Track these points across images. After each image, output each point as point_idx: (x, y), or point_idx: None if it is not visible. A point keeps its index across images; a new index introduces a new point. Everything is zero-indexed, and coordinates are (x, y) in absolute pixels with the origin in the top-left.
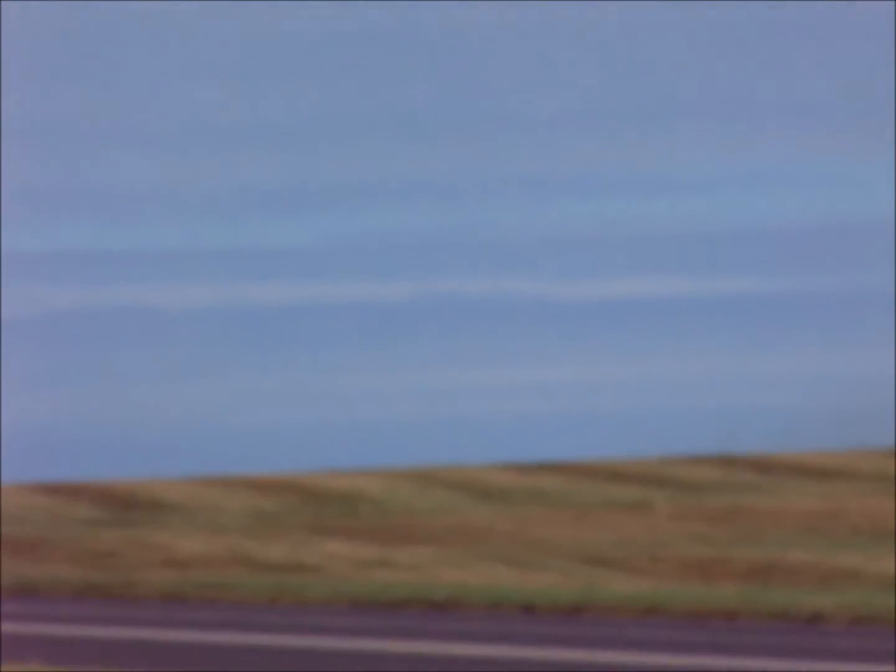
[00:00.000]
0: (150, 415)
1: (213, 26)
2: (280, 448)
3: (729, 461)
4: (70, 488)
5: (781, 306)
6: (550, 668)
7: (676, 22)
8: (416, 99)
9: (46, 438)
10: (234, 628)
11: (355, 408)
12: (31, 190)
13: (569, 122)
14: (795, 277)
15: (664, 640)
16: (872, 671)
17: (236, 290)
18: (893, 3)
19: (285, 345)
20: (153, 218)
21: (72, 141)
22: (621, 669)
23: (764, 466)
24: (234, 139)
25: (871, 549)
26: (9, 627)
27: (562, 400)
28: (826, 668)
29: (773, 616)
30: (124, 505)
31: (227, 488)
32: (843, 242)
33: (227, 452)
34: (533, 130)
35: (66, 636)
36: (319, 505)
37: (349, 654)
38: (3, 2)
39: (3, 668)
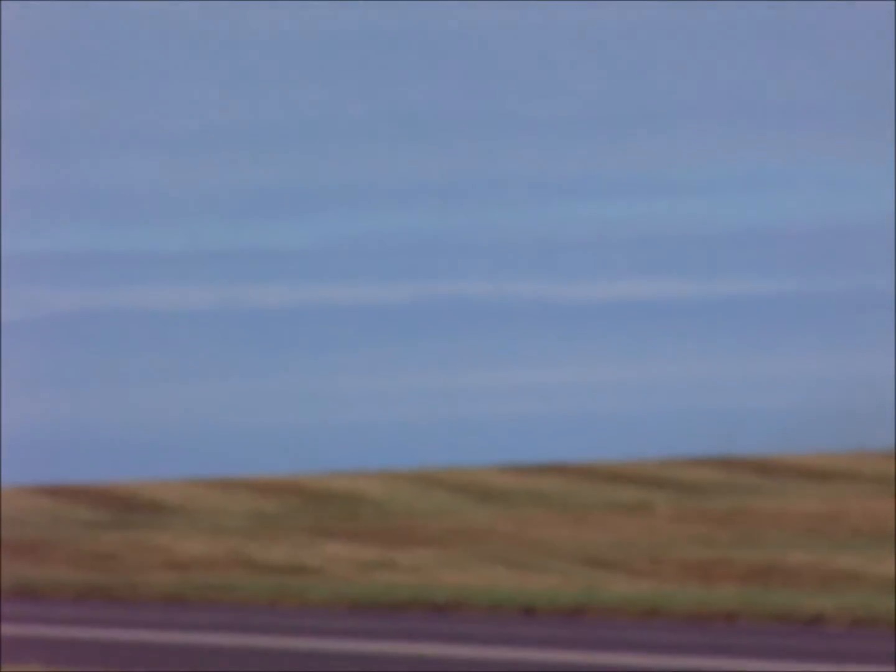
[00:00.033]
0: (151, 416)
1: (213, 27)
2: (281, 450)
3: (729, 463)
4: (71, 490)
5: (782, 308)
6: (551, 669)
7: (676, 23)
8: (418, 100)
9: (47, 440)
10: (234, 630)
11: (356, 409)
12: (30, 191)
13: (570, 124)
14: (796, 279)
15: (665, 641)
16: None
17: (237, 291)
18: (893, 3)
19: (286, 346)
20: (153, 220)
21: (72, 142)
22: (622, 671)
23: (764, 468)
24: (235, 140)
25: (872, 551)
26: (9, 629)
27: (562, 401)
28: (826, 670)
29: (773, 618)
30: (125, 507)
31: (228, 490)
32: (844, 244)
33: (227, 454)
34: (534, 132)
35: (66, 638)
36: (320, 507)
37: (350, 655)
38: (3, 2)
39: (3, 670)
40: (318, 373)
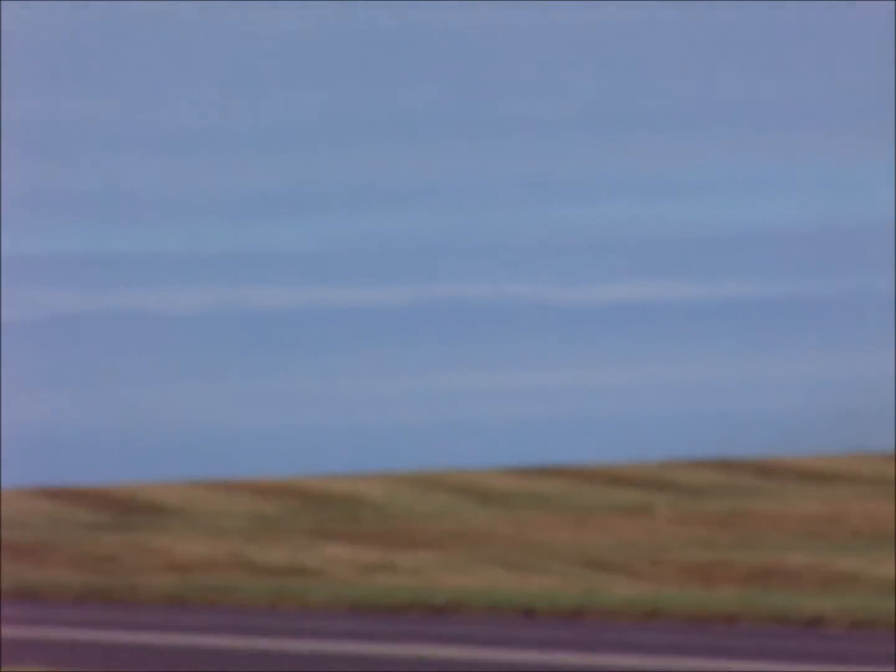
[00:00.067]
0: (151, 418)
1: (214, 28)
2: (281, 452)
3: (729, 465)
4: (71, 492)
5: (781, 310)
6: (551, 671)
7: (676, 24)
8: (418, 102)
9: (47, 442)
10: (235, 632)
11: (356, 412)
12: (31, 192)
13: (569, 126)
14: (795, 281)
15: (665, 643)
16: None
17: (237, 293)
18: (893, 3)
19: (286, 349)
20: (154, 221)
21: (72, 143)
22: None
23: (764, 470)
24: (235, 142)
25: (872, 553)
26: (10, 631)
27: (562, 404)
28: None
29: (773, 619)
30: (125, 509)
31: (229, 492)
32: (844, 245)
33: (228, 456)
34: (534, 134)
35: (67, 640)
36: (320, 509)
37: (350, 657)
38: (3, 2)
39: None
40: (319, 375)
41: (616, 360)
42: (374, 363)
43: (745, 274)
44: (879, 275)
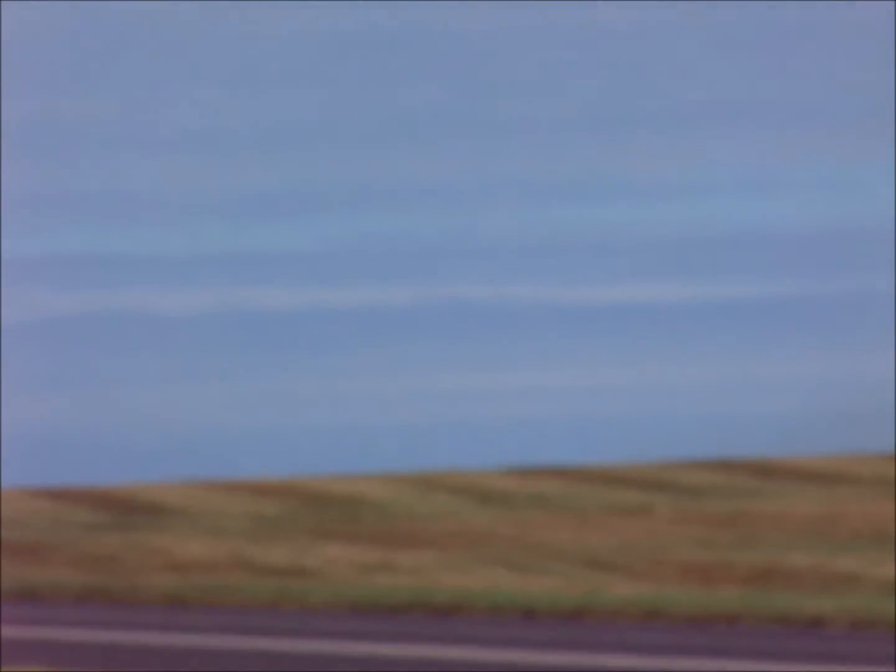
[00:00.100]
0: (152, 419)
1: (213, 28)
2: (282, 452)
3: (729, 465)
4: (71, 493)
5: (782, 310)
6: (551, 671)
7: (675, 24)
8: (418, 103)
9: (47, 443)
10: (235, 632)
11: (357, 412)
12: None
13: (569, 127)
14: (796, 281)
15: (665, 643)
16: None
17: (238, 294)
18: (893, 3)
19: (287, 349)
20: (154, 221)
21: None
22: None
23: (764, 471)
24: (235, 142)
25: (872, 554)
26: (10, 631)
27: (563, 404)
28: None
29: (773, 620)
30: (125, 509)
31: (229, 492)
32: (844, 246)
33: (228, 456)
34: (534, 135)
35: (67, 640)
36: (321, 509)
37: (350, 658)
38: (3, 2)
39: None
40: (319, 375)
41: (616, 360)
42: (374, 363)
43: (744, 274)
44: (879, 275)
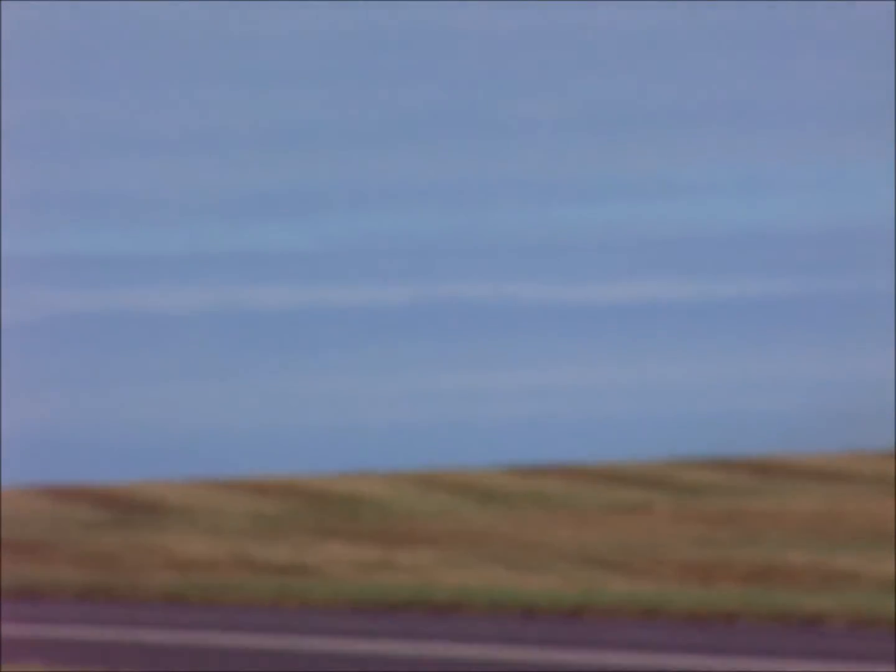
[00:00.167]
0: (152, 417)
1: (213, 28)
2: (282, 451)
3: (729, 463)
4: (71, 491)
5: (782, 309)
6: (551, 669)
7: (675, 24)
8: (418, 102)
9: (48, 441)
10: (235, 630)
11: (357, 411)
12: (30, 193)
13: (569, 126)
14: (796, 280)
15: (665, 641)
16: None
17: (237, 293)
18: (893, 3)
19: (287, 348)
20: (153, 221)
21: (71, 144)
22: (622, 671)
23: (764, 469)
24: (235, 142)
25: (871, 551)
26: (11, 629)
27: (562, 403)
28: (826, 670)
29: (773, 617)
30: (126, 507)
31: (229, 491)
32: (844, 245)
33: (229, 455)
34: (533, 134)
35: (67, 638)
36: (321, 508)
37: (351, 656)
38: (3, 2)
39: (4, 670)
40: (320, 374)
41: (616, 359)
42: (374, 362)
43: (744, 273)
44: (879, 274)
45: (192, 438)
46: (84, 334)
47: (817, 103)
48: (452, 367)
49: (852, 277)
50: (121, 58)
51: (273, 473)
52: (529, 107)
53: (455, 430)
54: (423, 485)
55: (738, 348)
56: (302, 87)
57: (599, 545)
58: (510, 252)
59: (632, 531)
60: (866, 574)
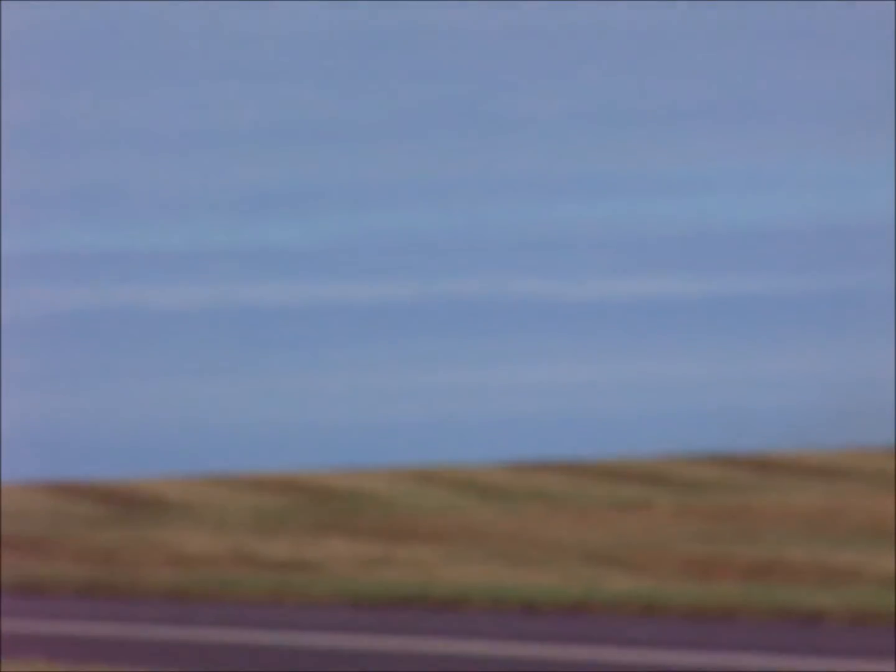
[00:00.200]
0: (153, 413)
1: (213, 26)
2: (283, 447)
3: (730, 460)
4: (72, 487)
5: (782, 306)
6: (552, 665)
7: (677, 22)
8: (418, 99)
9: (49, 437)
10: (236, 626)
11: (358, 407)
12: (30, 190)
13: (569, 123)
14: (796, 278)
15: (665, 637)
16: (873, 670)
17: (238, 289)
18: (893, 3)
19: (287, 344)
20: (154, 218)
21: (71, 141)
22: (623, 667)
23: (764, 465)
24: (235, 139)
25: (872, 548)
26: (11, 625)
27: (563, 399)
28: (826, 667)
29: (773, 614)
30: (127, 503)
31: (231, 487)
32: (844, 243)
33: (230, 451)
34: (533, 130)
35: (69, 634)
36: (322, 503)
37: (352, 651)
38: (3, 1)
39: (5, 666)
40: (320, 370)
41: (617, 355)
42: (375, 358)
43: (745, 270)
44: (880, 271)
45: (193, 434)
46: (84, 331)
47: (819, 101)
48: (453, 363)
49: (853, 274)
50: (119, 55)
51: (273, 469)
52: (531, 103)
53: (456, 426)
54: (424, 481)
55: (739, 345)
56: (302, 84)
57: (600, 541)
58: (511, 249)
59: (633, 527)
60: (867, 571)
